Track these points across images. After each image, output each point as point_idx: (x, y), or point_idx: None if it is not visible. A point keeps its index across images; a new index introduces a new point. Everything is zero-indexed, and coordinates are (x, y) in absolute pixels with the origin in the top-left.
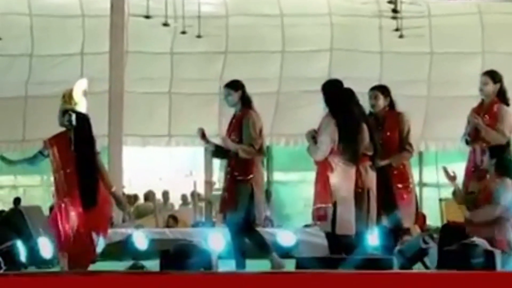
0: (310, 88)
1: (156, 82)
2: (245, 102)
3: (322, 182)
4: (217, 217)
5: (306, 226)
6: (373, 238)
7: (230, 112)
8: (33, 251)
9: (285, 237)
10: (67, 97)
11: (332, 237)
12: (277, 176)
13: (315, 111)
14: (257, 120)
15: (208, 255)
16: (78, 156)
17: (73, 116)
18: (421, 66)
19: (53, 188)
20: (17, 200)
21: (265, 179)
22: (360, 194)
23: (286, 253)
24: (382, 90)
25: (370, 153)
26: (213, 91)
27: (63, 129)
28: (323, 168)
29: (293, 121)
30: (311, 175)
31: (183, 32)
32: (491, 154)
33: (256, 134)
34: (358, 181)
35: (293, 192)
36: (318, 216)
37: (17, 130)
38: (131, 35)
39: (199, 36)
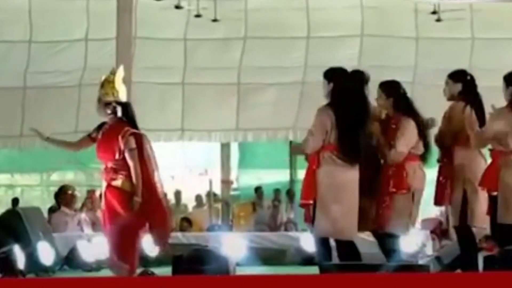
0: None
1: (168, 71)
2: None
3: (307, 177)
4: (235, 220)
5: None
6: (410, 243)
7: (249, 104)
8: (32, 257)
9: (310, 242)
10: (108, 87)
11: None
12: (302, 174)
13: None
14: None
15: (225, 262)
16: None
17: (119, 108)
18: (461, 53)
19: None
20: (14, 201)
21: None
22: (404, 196)
23: (310, 260)
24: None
25: (419, 152)
26: (231, 81)
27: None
28: (311, 161)
29: None
30: None
31: (198, 16)
32: (508, 83)
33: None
34: (403, 181)
35: None
36: (305, 217)
37: (15, 125)
38: (140, 19)
39: (215, 20)
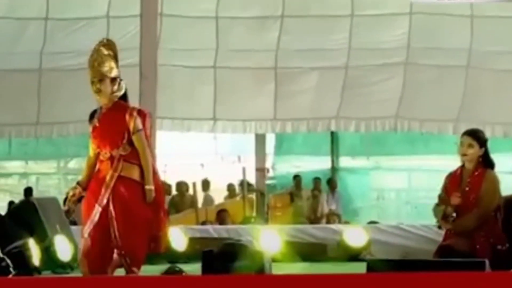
0: (385, 61)
1: (198, 53)
2: None
3: None
4: (270, 211)
5: (372, 222)
6: None
7: (287, 91)
8: (48, 252)
9: (354, 236)
10: (112, 61)
11: None
12: (344, 161)
13: (392, 88)
14: None
15: (260, 257)
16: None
17: (123, 84)
18: None
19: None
20: (28, 191)
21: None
22: None
23: (355, 255)
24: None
25: None
26: (267, 65)
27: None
28: None
29: (364, 102)
30: (386, 161)
31: None
32: None
33: None
34: None
35: (364, 181)
36: None
37: (30, 111)
38: None
39: None
